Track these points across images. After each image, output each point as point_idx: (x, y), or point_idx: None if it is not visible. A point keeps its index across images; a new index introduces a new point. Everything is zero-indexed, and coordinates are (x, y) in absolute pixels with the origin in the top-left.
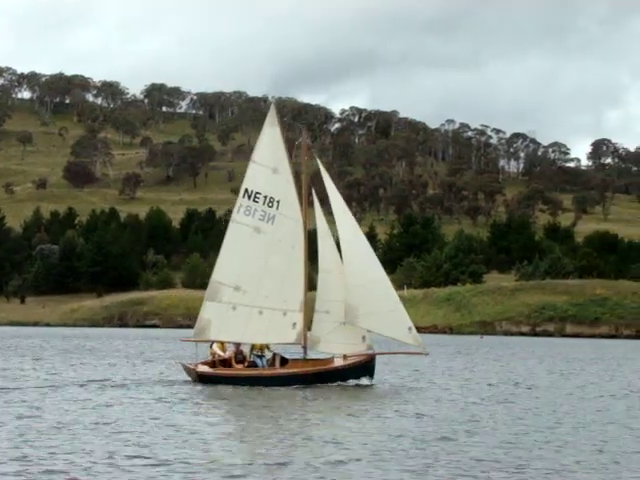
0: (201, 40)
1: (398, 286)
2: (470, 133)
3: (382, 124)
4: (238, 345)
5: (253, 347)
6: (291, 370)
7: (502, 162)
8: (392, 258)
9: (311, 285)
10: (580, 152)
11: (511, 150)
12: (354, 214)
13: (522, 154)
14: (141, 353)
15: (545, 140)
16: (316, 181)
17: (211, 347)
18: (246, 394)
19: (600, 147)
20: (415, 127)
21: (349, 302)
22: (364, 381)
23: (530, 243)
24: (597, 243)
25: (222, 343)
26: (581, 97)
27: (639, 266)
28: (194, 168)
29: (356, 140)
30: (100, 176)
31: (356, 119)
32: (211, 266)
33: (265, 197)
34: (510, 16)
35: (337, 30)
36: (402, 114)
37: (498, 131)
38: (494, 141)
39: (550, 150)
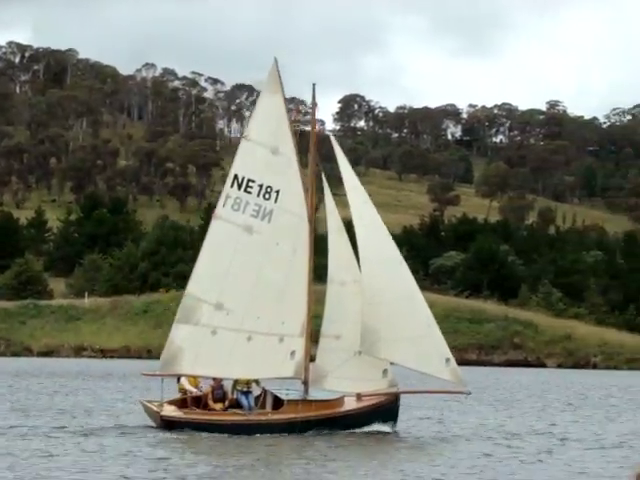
0: None
1: (78, 293)
2: (177, 83)
3: (54, 67)
4: (218, 379)
5: (237, 381)
6: (286, 416)
7: (221, 123)
8: (68, 254)
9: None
10: (325, 112)
11: (233, 107)
12: (15, 192)
13: (247, 113)
14: None
15: None
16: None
17: (179, 381)
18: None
19: (350, 106)
20: (101, 73)
21: (367, 324)
22: (384, 428)
23: None
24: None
25: (194, 376)
26: (327, 37)
27: None
28: None
29: (17, 89)
30: None
31: (17, 60)
32: None
33: (261, 186)
34: None
35: None
36: (82, 54)
37: (215, 81)
38: (210, 95)
39: None
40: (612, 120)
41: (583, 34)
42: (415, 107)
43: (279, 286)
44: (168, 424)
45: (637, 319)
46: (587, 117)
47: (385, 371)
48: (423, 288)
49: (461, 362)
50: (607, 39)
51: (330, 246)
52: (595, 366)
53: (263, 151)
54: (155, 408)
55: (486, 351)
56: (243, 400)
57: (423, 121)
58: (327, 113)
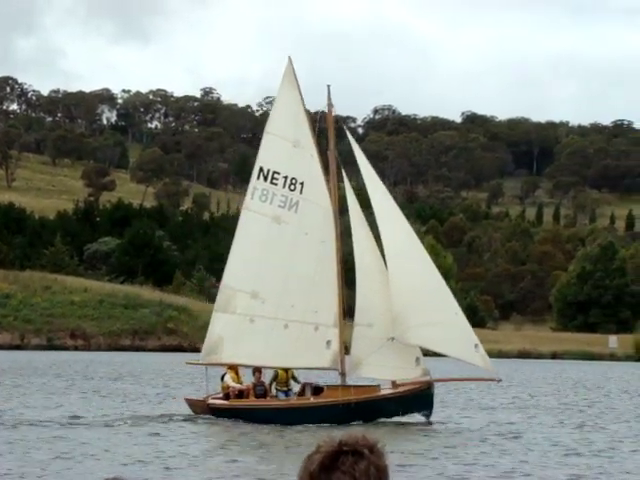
0: None
1: None
2: None
3: None
4: (259, 373)
5: (276, 379)
6: (328, 399)
7: None
8: None
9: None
10: None
11: None
12: None
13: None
14: None
15: None
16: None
17: (222, 380)
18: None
19: (2, 88)
20: None
21: (397, 311)
22: (419, 417)
23: None
24: None
25: (236, 373)
26: None
27: (95, 252)
28: None
29: None
30: None
31: None
32: None
33: (285, 178)
34: None
35: None
36: None
37: None
38: None
39: None
40: (265, 108)
41: (237, 22)
42: (70, 91)
43: (310, 275)
44: (214, 412)
45: None
46: (241, 105)
47: (417, 359)
48: (77, 274)
49: (116, 347)
50: (259, 27)
51: (354, 238)
52: None
53: (285, 144)
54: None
55: (140, 336)
56: (283, 398)
57: (78, 105)
58: None
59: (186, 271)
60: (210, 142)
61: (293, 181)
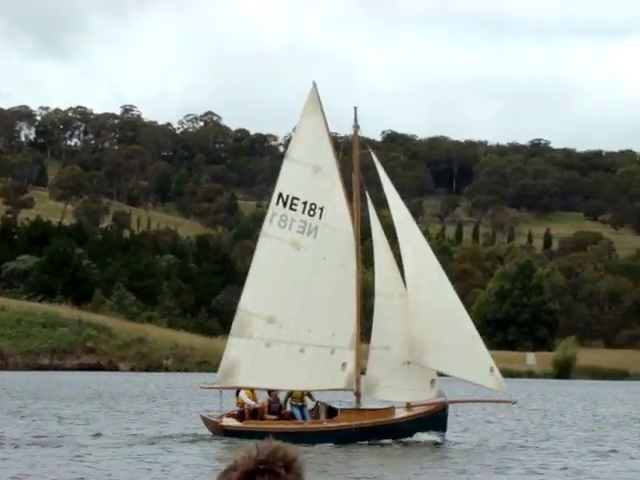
0: None
1: None
2: None
3: None
4: (274, 391)
5: (291, 395)
6: (341, 423)
7: None
8: None
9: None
10: None
11: None
12: None
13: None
14: None
15: None
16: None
17: (237, 395)
18: None
19: None
20: None
21: (415, 335)
22: (434, 437)
23: None
24: None
25: (252, 390)
26: None
27: None
28: None
29: None
30: None
31: None
32: None
33: (305, 203)
34: None
35: None
36: None
37: None
38: None
39: None
40: (185, 126)
41: (157, 39)
42: None
43: (328, 299)
44: (228, 434)
45: (208, 322)
46: (161, 122)
47: (433, 381)
48: None
49: (34, 367)
50: (179, 44)
51: (376, 261)
52: (167, 369)
53: (305, 170)
54: (215, 419)
55: (59, 355)
56: (297, 413)
57: None
58: None
59: (106, 289)
60: (130, 160)
61: (313, 206)
